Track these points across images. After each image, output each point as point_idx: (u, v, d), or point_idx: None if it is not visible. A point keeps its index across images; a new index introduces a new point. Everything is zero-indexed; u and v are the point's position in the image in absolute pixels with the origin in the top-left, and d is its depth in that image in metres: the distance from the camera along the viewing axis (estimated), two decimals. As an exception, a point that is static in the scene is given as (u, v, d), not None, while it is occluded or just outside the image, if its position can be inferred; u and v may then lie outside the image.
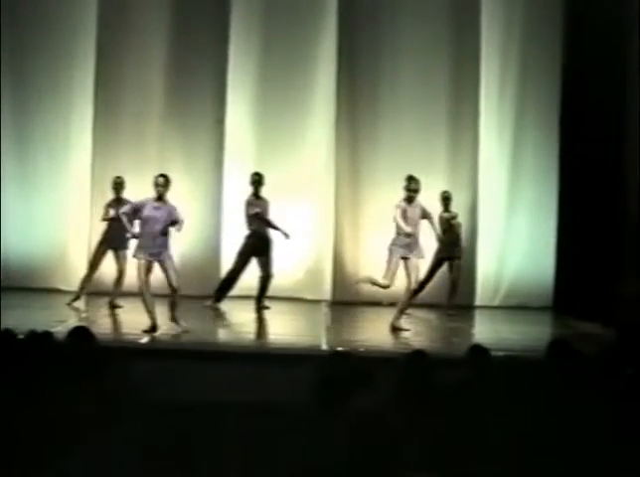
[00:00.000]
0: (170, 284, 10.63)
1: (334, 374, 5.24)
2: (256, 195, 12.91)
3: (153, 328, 10.58)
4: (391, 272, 11.37)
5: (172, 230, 10.72)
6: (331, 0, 14.40)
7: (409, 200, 11.46)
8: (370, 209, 14.07)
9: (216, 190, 14.28)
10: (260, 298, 12.95)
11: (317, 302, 14.01)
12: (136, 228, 10.77)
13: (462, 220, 13.67)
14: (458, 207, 13.62)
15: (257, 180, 12.92)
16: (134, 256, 10.73)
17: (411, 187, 11.45)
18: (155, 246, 10.57)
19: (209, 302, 12.91)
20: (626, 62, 12.91)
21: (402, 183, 11.56)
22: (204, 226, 13.92)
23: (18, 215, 14.15)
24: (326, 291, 14.35)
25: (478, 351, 6.42)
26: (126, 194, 12.50)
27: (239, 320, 12.67)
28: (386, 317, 11.75)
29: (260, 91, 14.36)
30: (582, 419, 5.30)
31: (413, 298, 11.82)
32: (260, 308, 12.90)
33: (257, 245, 12.82)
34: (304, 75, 14.37)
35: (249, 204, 12.88)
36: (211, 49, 14.32)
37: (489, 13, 14.40)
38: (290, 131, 14.30)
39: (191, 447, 4.35)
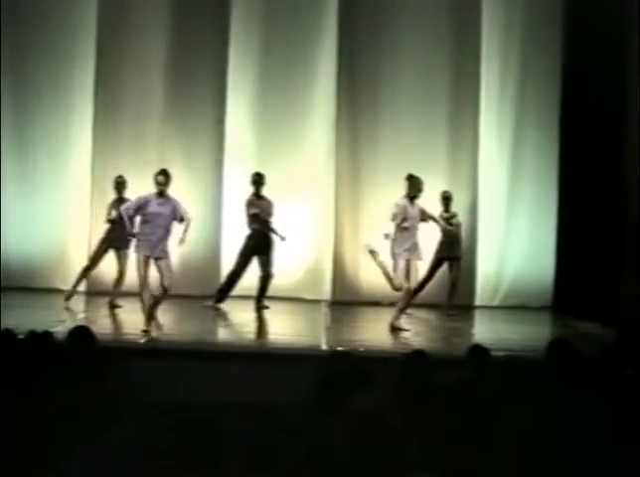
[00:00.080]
0: (162, 283, 10.64)
1: (334, 374, 5.24)
2: (257, 195, 12.92)
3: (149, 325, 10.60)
4: (400, 278, 11.28)
5: (180, 226, 10.80)
6: (331, 1, 14.40)
7: (412, 199, 11.43)
8: (370, 209, 14.06)
9: (216, 190, 14.29)
10: (260, 298, 12.96)
11: (317, 302, 14.01)
12: (136, 227, 10.80)
13: (462, 220, 13.68)
14: (458, 207, 13.63)
15: (258, 180, 12.94)
16: (135, 251, 10.76)
17: (418, 186, 11.41)
18: (158, 243, 10.61)
19: (210, 302, 12.92)
20: (626, 62, 12.91)
21: (403, 183, 11.55)
22: (204, 226, 13.90)
23: (18, 215, 14.15)
24: (326, 291, 14.35)
25: (478, 351, 6.42)
26: (127, 194, 12.51)
27: (238, 320, 12.67)
28: (385, 317, 11.74)
29: (261, 92, 14.37)
30: (582, 420, 5.30)
31: (413, 298, 11.81)
32: (260, 308, 12.90)
33: (258, 245, 12.83)
34: (304, 75, 14.37)
35: (250, 204, 12.90)
36: (211, 49, 14.32)
37: (489, 13, 14.40)
38: (290, 132, 14.30)
39: (191, 447, 4.35)
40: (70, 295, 12.66)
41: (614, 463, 5.04)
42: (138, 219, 10.79)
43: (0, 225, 13.96)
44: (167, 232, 10.70)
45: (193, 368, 8.80)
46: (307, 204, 14.27)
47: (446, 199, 13.37)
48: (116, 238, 12.25)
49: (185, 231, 10.92)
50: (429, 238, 12.55)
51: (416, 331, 11.69)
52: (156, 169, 11.00)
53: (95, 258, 12.77)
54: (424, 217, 11.58)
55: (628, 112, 12.90)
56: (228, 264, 13.40)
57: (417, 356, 6.02)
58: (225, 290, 13.02)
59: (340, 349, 9.21)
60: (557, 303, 14.13)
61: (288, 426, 4.62)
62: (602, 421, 5.30)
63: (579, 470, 4.99)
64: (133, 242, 10.91)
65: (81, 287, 13.60)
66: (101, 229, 12.79)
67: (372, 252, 11.40)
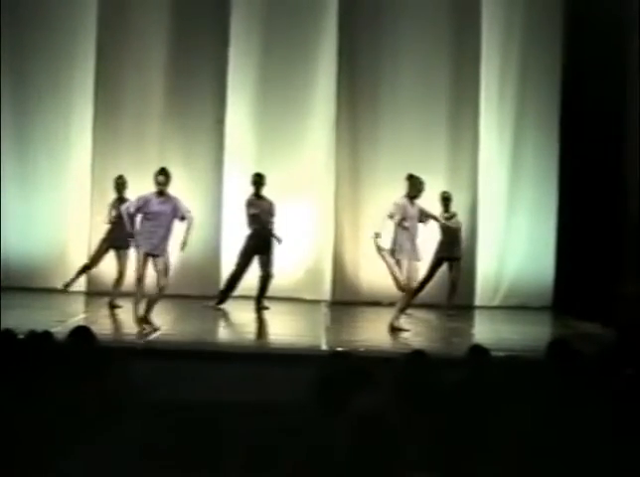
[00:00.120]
0: (158, 283, 10.65)
1: (334, 374, 5.24)
2: (257, 195, 12.93)
3: (142, 322, 10.61)
4: (404, 277, 11.26)
5: (182, 224, 10.82)
6: (331, 1, 14.41)
7: (412, 198, 11.42)
8: (370, 209, 14.05)
9: (216, 190, 14.29)
10: (260, 298, 12.95)
11: (317, 302, 14.01)
12: (137, 225, 10.81)
13: (462, 220, 13.68)
14: (458, 207, 13.63)
15: (258, 181, 12.94)
16: (135, 249, 10.77)
17: (418, 187, 11.40)
18: (159, 242, 10.63)
19: (211, 303, 12.92)
20: (626, 62, 12.92)
21: (403, 183, 11.54)
22: (204, 226, 13.90)
23: (18, 215, 14.15)
24: (326, 291, 14.35)
25: (478, 351, 6.42)
26: (127, 194, 12.52)
27: (238, 320, 12.67)
28: (385, 317, 11.74)
29: (261, 92, 14.37)
30: (582, 419, 5.30)
31: (413, 298, 11.80)
32: (260, 308, 12.90)
33: (259, 245, 12.83)
34: (304, 75, 14.37)
35: (250, 204, 12.90)
36: (211, 50, 14.32)
37: (489, 14, 14.40)
38: (290, 132, 14.30)
39: (191, 447, 4.35)
40: (68, 284, 12.72)
41: (614, 463, 5.04)
42: (139, 217, 10.81)
43: (0, 225, 13.96)
44: (168, 230, 10.74)
45: (193, 368, 8.80)
46: (307, 204, 14.27)
47: (446, 199, 13.37)
48: (117, 237, 12.26)
49: (187, 232, 10.91)
50: (429, 238, 12.55)
51: (416, 331, 11.68)
52: (156, 169, 11.02)
53: (96, 258, 12.80)
54: (423, 217, 11.54)
55: (628, 112, 12.90)
56: (228, 264, 13.40)
57: (417, 356, 6.02)
58: (226, 291, 13.02)
59: (340, 349, 9.21)
60: (557, 303, 14.13)
61: (288, 426, 4.62)
62: (602, 421, 5.30)
63: (579, 470, 4.99)
64: (134, 241, 10.91)
65: (82, 287, 13.64)
66: (101, 228, 12.80)
67: (380, 250, 11.28)
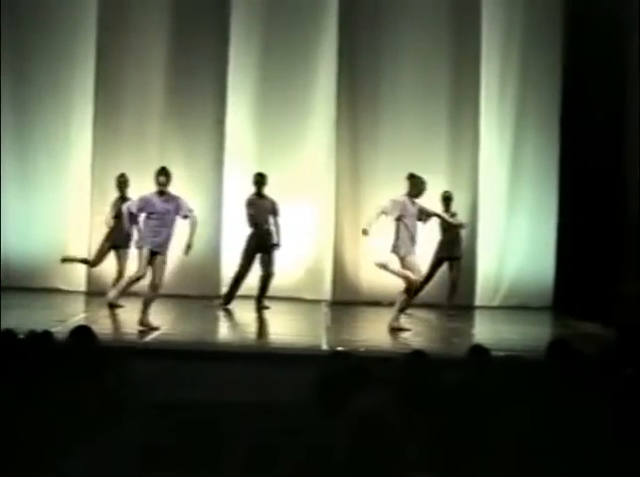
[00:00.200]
0: (153, 281, 10.66)
1: (334, 374, 5.24)
2: (259, 194, 12.94)
3: (142, 322, 10.63)
4: (414, 273, 11.25)
5: (184, 222, 10.84)
6: (331, 1, 14.41)
7: (413, 198, 11.41)
8: (370, 209, 14.00)
9: (216, 190, 14.29)
10: (261, 298, 12.96)
11: (317, 302, 14.01)
12: (141, 224, 10.82)
13: (462, 219, 13.67)
14: (458, 207, 13.63)
15: (260, 181, 12.95)
16: (137, 247, 10.77)
17: (420, 186, 11.38)
18: (163, 242, 10.65)
19: (218, 301, 12.98)
20: (626, 62, 12.92)
21: (403, 183, 11.53)
22: (204, 226, 13.87)
23: (18, 215, 14.15)
24: (326, 291, 14.36)
25: (478, 351, 6.42)
26: (129, 193, 12.53)
27: (239, 320, 12.68)
28: (386, 317, 11.73)
29: (261, 92, 14.37)
30: (582, 420, 5.30)
31: (413, 298, 11.79)
32: (260, 308, 12.90)
33: (260, 244, 12.84)
34: (304, 75, 14.38)
35: (249, 203, 12.92)
36: (211, 49, 14.32)
37: (489, 14, 14.40)
38: (291, 131, 14.31)
39: (191, 447, 4.35)
40: (67, 259, 12.84)
41: (614, 463, 5.04)
42: (142, 217, 10.81)
43: (0, 225, 13.96)
44: (172, 229, 10.78)
45: (193, 368, 8.80)
46: (307, 203, 14.27)
47: (447, 199, 13.37)
48: (117, 237, 12.29)
49: (191, 235, 10.93)
50: (429, 238, 12.55)
51: (416, 331, 11.67)
52: (156, 169, 11.02)
53: (99, 257, 12.83)
54: (423, 216, 11.52)
55: (628, 112, 12.90)
56: (228, 264, 13.40)
57: (417, 356, 6.02)
58: (231, 291, 13.03)
59: (340, 349, 9.21)
60: (557, 303, 14.14)
61: (289, 426, 4.62)
62: (602, 421, 5.30)
63: (579, 470, 4.99)
64: (135, 238, 10.91)
65: (82, 287, 13.66)
66: (101, 228, 12.82)
67: (382, 266, 11.27)
